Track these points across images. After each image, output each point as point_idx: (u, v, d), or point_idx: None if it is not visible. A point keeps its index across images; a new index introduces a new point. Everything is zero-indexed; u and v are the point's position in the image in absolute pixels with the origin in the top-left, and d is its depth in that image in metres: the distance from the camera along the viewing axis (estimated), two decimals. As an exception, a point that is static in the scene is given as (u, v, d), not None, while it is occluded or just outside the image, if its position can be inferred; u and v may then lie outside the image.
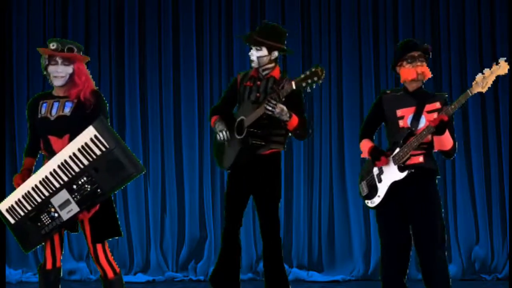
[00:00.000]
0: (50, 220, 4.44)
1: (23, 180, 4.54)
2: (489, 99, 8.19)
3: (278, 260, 5.35)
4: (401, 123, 4.85)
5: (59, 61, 4.60)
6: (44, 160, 4.63)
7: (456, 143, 4.90)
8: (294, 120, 5.19)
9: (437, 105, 4.85)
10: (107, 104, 4.71)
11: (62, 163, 4.37)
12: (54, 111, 4.59)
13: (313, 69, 5.04)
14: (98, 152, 4.29)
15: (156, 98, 8.39)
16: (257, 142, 5.26)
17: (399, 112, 4.87)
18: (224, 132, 5.31)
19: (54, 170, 4.39)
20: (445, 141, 4.79)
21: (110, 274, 4.63)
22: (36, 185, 4.44)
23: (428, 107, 4.84)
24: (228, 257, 5.44)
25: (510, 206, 8.09)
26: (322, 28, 8.38)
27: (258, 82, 5.35)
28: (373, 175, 4.91)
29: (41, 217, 4.45)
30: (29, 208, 4.47)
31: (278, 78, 5.32)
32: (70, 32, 8.33)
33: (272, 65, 5.36)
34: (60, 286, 4.77)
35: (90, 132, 4.30)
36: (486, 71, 4.67)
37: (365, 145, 4.98)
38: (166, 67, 8.41)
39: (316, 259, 8.27)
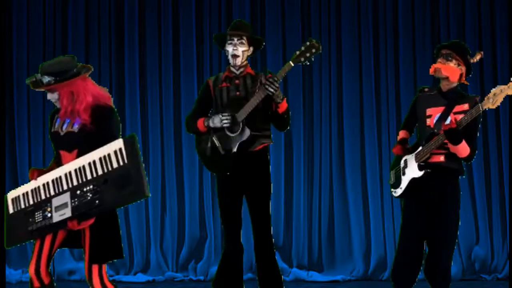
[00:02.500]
0: (41, 219, 4.38)
1: (38, 175, 4.50)
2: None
3: (271, 257, 5.35)
4: (428, 121, 4.93)
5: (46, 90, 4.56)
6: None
7: (476, 151, 4.90)
8: (285, 103, 5.25)
9: (465, 106, 4.86)
10: (117, 119, 4.57)
11: (79, 168, 4.33)
12: (64, 126, 4.55)
13: (308, 43, 5.14)
14: (115, 165, 4.24)
15: (156, 98, 8.39)
16: (257, 133, 5.26)
17: (428, 111, 4.94)
18: (227, 117, 5.22)
19: (70, 173, 4.36)
20: (460, 149, 4.80)
21: None
22: (47, 182, 4.42)
23: (457, 108, 4.86)
24: (230, 259, 5.41)
25: (510, 206, 8.10)
26: (322, 28, 8.38)
27: (237, 81, 5.37)
28: (400, 166, 5.01)
29: (36, 213, 4.41)
30: (31, 202, 4.45)
31: (254, 74, 5.39)
32: (70, 32, 8.34)
33: (246, 62, 5.42)
34: None
35: (117, 144, 4.27)
36: (497, 88, 4.73)
37: (399, 137, 5.15)
38: (166, 67, 8.41)
39: (316, 259, 8.27)
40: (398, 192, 5.02)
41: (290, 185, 8.29)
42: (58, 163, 4.55)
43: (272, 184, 5.45)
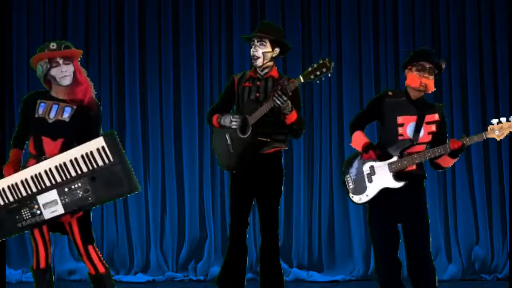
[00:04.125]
0: (30, 216, 4.49)
1: (14, 171, 4.58)
2: (489, 99, 8.20)
3: (275, 258, 5.40)
4: (400, 130, 4.92)
5: (60, 61, 4.61)
6: (29, 158, 4.68)
7: None
8: (294, 115, 5.28)
9: (436, 117, 4.95)
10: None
11: (60, 165, 4.45)
12: (52, 114, 4.63)
13: (321, 61, 5.14)
14: (100, 163, 4.41)
15: (156, 98, 8.39)
16: (264, 139, 5.30)
17: (399, 119, 4.94)
18: (237, 119, 5.29)
19: (50, 169, 4.46)
20: (452, 162, 4.98)
21: (101, 269, 4.72)
22: (26, 179, 4.49)
23: (428, 118, 4.92)
24: (235, 258, 5.43)
25: (510, 206, 8.10)
26: (322, 28, 8.38)
27: (258, 83, 5.41)
28: (363, 173, 4.95)
29: (22, 211, 4.50)
30: (11, 199, 4.52)
31: (277, 78, 5.41)
32: (70, 32, 8.33)
33: (271, 63, 5.43)
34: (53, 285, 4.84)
35: (98, 142, 4.41)
36: (504, 122, 4.82)
37: (360, 138, 5.04)
38: (166, 67, 8.40)
39: (316, 259, 8.27)
40: (364, 199, 4.97)
41: (290, 185, 8.28)
42: (38, 149, 4.61)
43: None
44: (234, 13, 8.39)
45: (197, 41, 8.41)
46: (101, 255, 4.76)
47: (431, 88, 4.94)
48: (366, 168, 4.96)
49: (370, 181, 4.95)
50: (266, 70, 5.42)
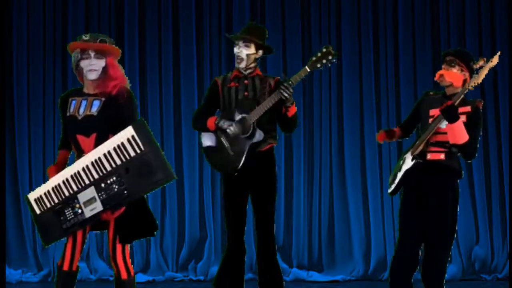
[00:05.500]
0: (73, 216, 4.39)
1: (57, 172, 4.50)
2: (489, 99, 8.20)
3: (273, 258, 5.38)
4: (430, 121, 4.98)
5: (92, 54, 4.51)
6: (76, 158, 4.57)
7: (474, 143, 4.92)
8: (294, 107, 5.33)
9: (468, 108, 4.94)
10: (138, 106, 4.63)
11: (96, 160, 4.33)
12: (81, 110, 4.53)
13: (324, 50, 5.24)
14: (132, 154, 4.26)
15: (156, 98, 8.39)
16: (267, 136, 5.31)
17: (431, 112, 5.03)
18: (234, 125, 5.26)
19: (87, 166, 4.36)
20: (457, 131, 4.84)
21: (124, 275, 4.56)
22: (67, 179, 4.41)
23: (460, 109, 4.91)
24: (233, 259, 5.41)
25: (510, 206, 8.10)
26: (322, 28, 8.38)
27: (246, 81, 5.42)
28: (399, 164, 5.11)
29: (65, 211, 4.41)
30: (56, 200, 4.44)
31: (262, 76, 5.46)
32: (70, 32, 8.33)
33: (255, 64, 5.46)
34: None
35: (128, 132, 4.27)
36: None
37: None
38: (166, 67, 8.41)
39: (316, 259, 8.27)
40: (392, 186, 5.10)
41: (290, 185, 8.29)
42: (77, 147, 4.53)
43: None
44: (234, 13, 8.39)
45: (197, 41, 8.41)
46: (129, 260, 4.58)
47: (449, 78, 4.97)
48: (401, 161, 5.07)
49: (400, 170, 5.06)
50: (249, 71, 5.44)
